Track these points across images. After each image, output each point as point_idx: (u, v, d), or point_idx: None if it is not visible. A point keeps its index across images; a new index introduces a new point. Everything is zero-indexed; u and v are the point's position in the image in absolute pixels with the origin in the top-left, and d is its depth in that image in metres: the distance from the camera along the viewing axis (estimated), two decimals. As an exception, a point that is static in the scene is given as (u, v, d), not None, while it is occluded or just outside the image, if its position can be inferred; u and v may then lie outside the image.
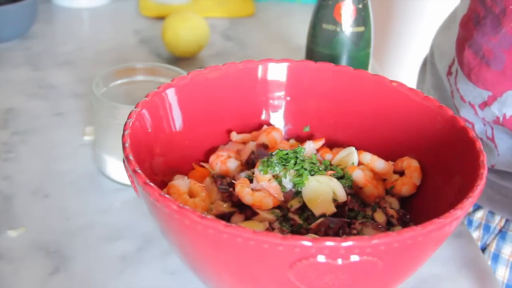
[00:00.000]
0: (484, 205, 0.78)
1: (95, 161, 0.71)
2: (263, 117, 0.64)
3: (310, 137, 0.63)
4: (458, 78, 0.71)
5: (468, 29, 0.68)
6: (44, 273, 0.56)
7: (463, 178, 0.50)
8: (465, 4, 0.71)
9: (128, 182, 0.64)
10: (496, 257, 0.76)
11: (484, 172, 0.47)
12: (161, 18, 1.10)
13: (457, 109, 0.73)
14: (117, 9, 1.16)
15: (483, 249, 0.78)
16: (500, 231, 0.77)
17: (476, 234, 0.78)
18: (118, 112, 0.64)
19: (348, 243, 0.39)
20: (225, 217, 0.53)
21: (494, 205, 0.76)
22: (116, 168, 0.67)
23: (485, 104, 0.68)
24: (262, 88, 0.62)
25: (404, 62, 1.73)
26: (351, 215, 0.53)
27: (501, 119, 0.67)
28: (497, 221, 0.77)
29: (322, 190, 0.53)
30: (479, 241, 0.78)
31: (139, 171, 0.45)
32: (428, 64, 0.85)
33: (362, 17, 0.72)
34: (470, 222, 0.79)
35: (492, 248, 0.76)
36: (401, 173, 0.58)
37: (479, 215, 0.78)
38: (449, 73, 0.73)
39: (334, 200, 0.53)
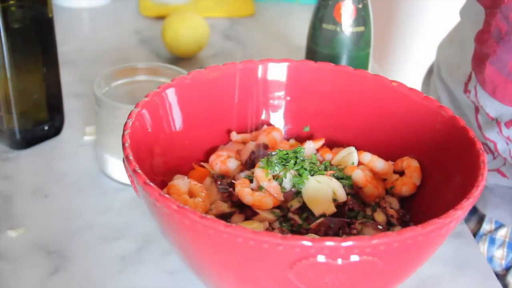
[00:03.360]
0: (508, 223, 0.74)
1: (96, 161, 0.71)
2: (263, 117, 0.64)
3: (310, 137, 0.63)
4: (479, 96, 0.68)
5: (489, 45, 0.65)
6: (44, 273, 0.56)
7: (463, 178, 0.50)
8: (476, 19, 0.68)
9: (129, 181, 0.64)
10: None
11: (484, 172, 0.47)
12: (161, 18, 1.10)
13: (479, 126, 0.70)
14: (117, 9, 1.16)
15: (508, 268, 0.75)
16: None
17: (499, 252, 0.75)
18: (119, 112, 0.64)
19: (348, 243, 0.39)
20: (225, 217, 0.53)
21: None
22: (117, 167, 0.67)
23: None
24: (262, 88, 0.62)
25: (404, 62, 1.73)
26: (351, 215, 0.53)
27: None
28: None
29: (322, 190, 0.53)
30: (503, 260, 0.75)
31: (139, 171, 0.45)
32: (436, 79, 0.82)
33: (362, 17, 0.72)
34: (492, 241, 0.76)
35: None
36: (401, 173, 0.58)
37: (502, 233, 0.75)
38: (467, 90, 0.70)
39: (334, 200, 0.53)
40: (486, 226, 0.77)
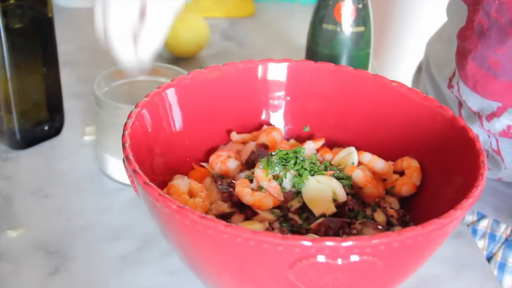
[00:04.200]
0: (489, 214, 0.76)
1: (96, 161, 0.71)
2: (263, 117, 0.64)
3: (310, 137, 0.63)
4: (461, 91, 0.69)
5: (471, 41, 0.66)
6: (44, 273, 0.56)
7: (463, 178, 0.50)
8: (460, 15, 0.69)
9: (129, 181, 0.64)
10: (502, 266, 0.75)
11: (484, 172, 0.47)
12: (161, 18, 1.10)
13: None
14: (117, 9, 1.16)
15: (489, 259, 0.76)
16: (506, 240, 0.75)
17: (481, 243, 0.77)
18: (119, 112, 0.64)
19: (348, 243, 0.39)
20: (225, 217, 0.53)
21: (499, 214, 0.75)
22: (117, 167, 0.67)
23: (493, 115, 0.67)
24: (262, 88, 0.62)
25: (404, 62, 1.73)
26: (351, 215, 0.53)
27: None
28: (503, 230, 0.76)
29: (322, 190, 0.53)
30: (484, 251, 0.77)
31: (139, 171, 0.45)
32: (424, 74, 0.84)
33: (362, 17, 0.72)
34: (474, 231, 0.78)
35: (498, 257, 0.75)
36: (401, 173, 0.58)
37: (484, 224, 0.77)
38: (450, 86, 0.71)
39: (334, 200, 0.53)
40: (469, 218, 0.78)
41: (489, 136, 0.69)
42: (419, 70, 0.92)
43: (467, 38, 0.67)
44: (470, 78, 0.67)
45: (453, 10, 0.75)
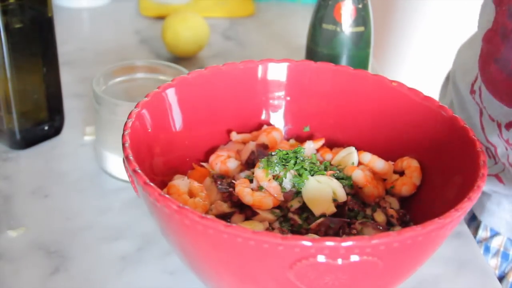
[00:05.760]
0: (503, 232, 0.74)
1: (96, 159, 0.71)
2: (263, 117, 0.64)
3: (310, 137, 0.64)
4: (483, 96, 0.67)
5: (495, 43, 0.64)
6: (44, 273, 0.56)
7: (463, 178, 0.50)
8: (488, 19, 0.67)
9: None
10: None
11: (485, 173, 0.47)
12: (161, 18, 1.10)
13: (483, 129, 0.70)
14: (117, 9, 1.16)
15: (501, 278, 0.74)
16: None
17: (493, 261, 0.75)
18: (119, 109, 0.64)
19: (348, 243, 0.39)
20: (225, 217, 0.53)
21: None
22: (117, 165, 0.67)
23: (511, 124, 0.65)
24: (262, 88, 0.62)
25: (404, 62, 1.73)
26: (351, 215, 0.53)
27: None
28: None
29: (322, 190, 0.53)
30: (496, 270, 0.75)
31: (139, 171, 0.45)
32: (451, 84, 0.81)
33: (362, 17, 0.72)
34: (487, 249, 0.75)
35: (511, 278, 0.73)
36: (401, 173, 0.58)
37: (498, 241, 0.75)
38: (472, 91, 0.69)
39: (334, 200, 0.53)
40: (482, 233, 0.76)
41: (506, 149, 0.67)
42: (447, 77, 0.90)
43: (491, 41, 0.65)
44: (490, 81, 0.65)
45: (484, 11, 0.72)
